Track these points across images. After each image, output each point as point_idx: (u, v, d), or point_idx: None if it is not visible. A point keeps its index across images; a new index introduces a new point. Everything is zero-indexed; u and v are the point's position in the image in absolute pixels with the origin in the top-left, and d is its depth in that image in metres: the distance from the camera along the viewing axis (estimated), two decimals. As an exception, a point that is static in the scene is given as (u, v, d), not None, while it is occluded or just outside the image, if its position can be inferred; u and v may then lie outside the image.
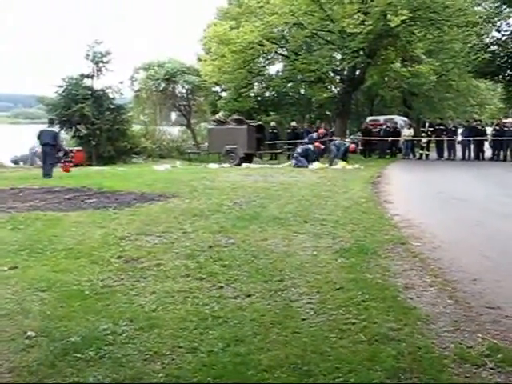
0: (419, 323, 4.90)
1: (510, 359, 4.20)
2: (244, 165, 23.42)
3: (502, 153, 27.10)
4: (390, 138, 29.80)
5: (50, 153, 18.24)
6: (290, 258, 7.07)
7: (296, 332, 4.69)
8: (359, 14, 26.66)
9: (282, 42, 32.98)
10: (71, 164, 22.62)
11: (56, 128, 19.69)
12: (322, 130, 27.78)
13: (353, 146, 25.53)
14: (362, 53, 29.57)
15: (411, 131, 30.34)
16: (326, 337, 4.59)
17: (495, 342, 4.53)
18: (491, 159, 27.21)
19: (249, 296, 5.59)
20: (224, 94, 39.63)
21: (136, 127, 36.15)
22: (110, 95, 31.55)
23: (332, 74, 34.20)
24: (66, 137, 30.90)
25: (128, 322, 4.85)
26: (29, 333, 4.58)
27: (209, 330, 4.68)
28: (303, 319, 5.00)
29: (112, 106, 31.20)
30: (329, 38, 30.99)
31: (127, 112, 33.51)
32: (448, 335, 4.67)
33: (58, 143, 18.98)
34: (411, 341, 4.49)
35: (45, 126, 19.19)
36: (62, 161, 22.56)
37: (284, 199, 12.07)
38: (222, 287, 5.87)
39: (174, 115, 46.97)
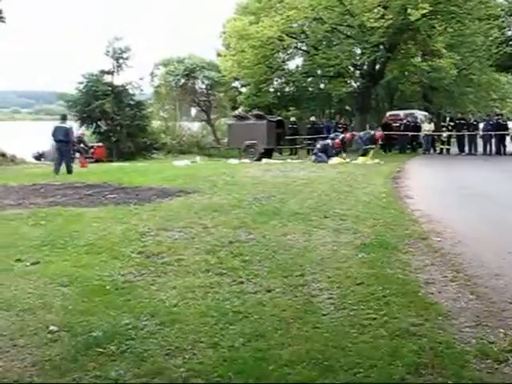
0: (440, 318, 4.88)
1: (533, 355, 4.16)
2: (264, 160, 23.41)
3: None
4: (410, 133, 29.61)
5: (64, 149, 18.14)
6: (311, 253, 7.06)
7: (317, 327, 4.68)
8: (379, 8, 26.59)
9: (302, 37, 32.92)
10: (88, 160, 22.53)
11: (69, 124, 19.39)
12: (349, 136, 27.27)
13: (379, 133, 25.40)
14: (381, 47, 29.51)
15: (432, 126, 30.10)
16: (346, 332, 4.58)
17: (518, 337, 4.49)
18: (513, 154, 26.96)
19: (269, 291, 5.60)
20: (244, 90, 39.66)
21: (156, 123, 36.29)
22: (130, 91, 31.72)
23: (352, 69, 34.13)
24: (87, 133, 31.11)
25: (149, 317, 4.88)
26: (51, 327, 4.63)
27: (229, 326, 4.69)
28: (324, 314, 4.99)
29: (132, 102, 31.37)
30: (348, 33, 30.90)
31: (147, 108, 33.68)
32: (469, 330, 4.64)
33: (71, 139, 18.84)
34: (432, 336, 4.47)
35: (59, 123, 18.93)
36: (83, 156, 22.68)
37: (304, 194, 12.07)
38: (242, 282, 5.88)
39: (193, 111, 47.08)
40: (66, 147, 18.16)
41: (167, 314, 4.96)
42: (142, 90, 33.02)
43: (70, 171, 17.67)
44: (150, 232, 8.19)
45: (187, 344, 4.35)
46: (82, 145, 25.92)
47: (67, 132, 18.23)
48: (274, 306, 5.16)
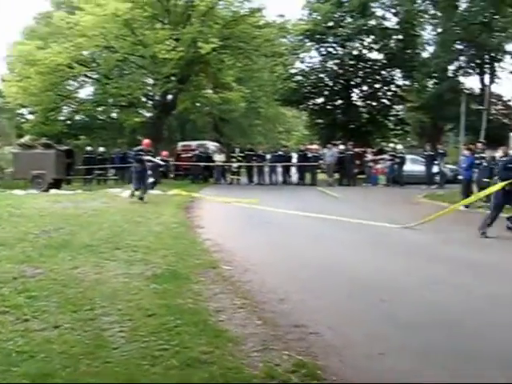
0: (230, 345, 5.00)
1: (313, 373, 4.45)
2: (52, 191, 22.49)
3: (306, 176, 28.92)
4: (202, 164, 30.30)
5: None
6: (102, 286, 6.89)
7: (107, 362, 4.56)
8: (171, 40, 27.03)
9: (93, 65, 32.42)
10: None
11: None
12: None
13: None
14: (173, 78, 29.93)
15: (222, 156, 31.08)
16: (138, 365, 4.52)
17: (300, 358, 4.76)
18: (298, 184, 28.80)
19: (57, 327, 5.35)
20: (31, 117, 37.92)
21: None
22: None
23: (144, 99, 34.21)
24: None
25: None
26: None
27: (12, 367, 4.40)
28: (115, 348, 4.88)
29: None
30: (141, 63, 31.00)
31: None
32: (257, 355, 4.82)
33: None
34: (222, 363, 4.56)
35: None
36: None
37: (95, 226, 11.74)
38: (27, 320, 5.54)
39: (-26, 138, 44.15)
40: None
41: None
42: None
43: None
44: None
45: (-36, 391, 4.03)
46: None
47: None
48: (62, 343, 4.93)
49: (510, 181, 11.52)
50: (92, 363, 4.53)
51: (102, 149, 32.38)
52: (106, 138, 40.27)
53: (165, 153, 26.60)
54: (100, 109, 36.74)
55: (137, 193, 17.37)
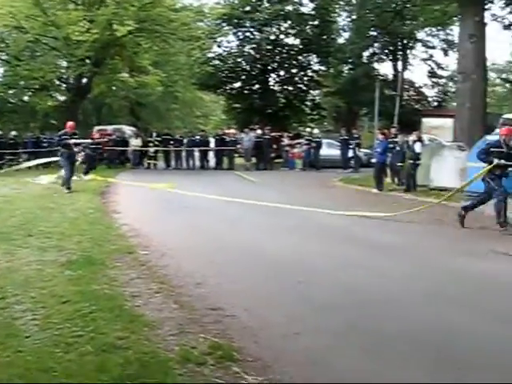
0: (146, 329, 4.99)
1: (228, 355, 4.50)
2: (-40, 177, 21.61)
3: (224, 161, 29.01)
4: (118, 148, 29.82)
5: None
6: (13, 273, 6.71)
7: (19, 351, 4.46)
8: (85, 21, 26.36)
9: (2, 46, 31.27)
10: None
11: None
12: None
13: None
14: (88, 61, 29.27)
15: (139, 141, 30.63)
16: (51, 352, 4.44)
17: (216, 340, 4.81)
18: (215, 168, 28.82)
19: (-34, 319, 5.20)
20: None
21: None
22: None
23: (58, 82, 33.32)
24: None
25: None
26: None
27: None
28: (27, 337, 4.77)
29: None
30: (53, 45, 30.10)
31: None
32: (173, 338, 4.83)
33: None
34: (138, 347, 4.55)
35: None
36: None
37: (6, 212, 11.40)
38: None
39: None
40: None
41: None
42: None
43: None
44: None
45: None
46: None
47: None
48: (-30, 334, 4.81)
49: (493, 164, 10.61)
50: (2, 353, 4.42)
51: (13, 133, 31.33)
52: (18, 121, 38.96)
53: (96, 135, 26.36)
54: (11, 92, 35.53)
55: (75, 177, 17.11)
